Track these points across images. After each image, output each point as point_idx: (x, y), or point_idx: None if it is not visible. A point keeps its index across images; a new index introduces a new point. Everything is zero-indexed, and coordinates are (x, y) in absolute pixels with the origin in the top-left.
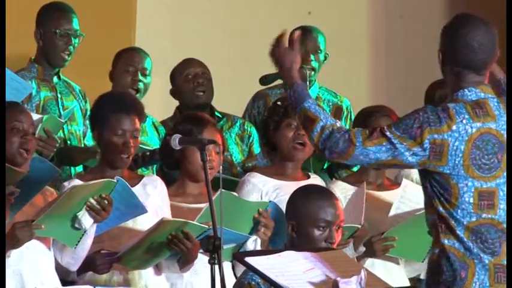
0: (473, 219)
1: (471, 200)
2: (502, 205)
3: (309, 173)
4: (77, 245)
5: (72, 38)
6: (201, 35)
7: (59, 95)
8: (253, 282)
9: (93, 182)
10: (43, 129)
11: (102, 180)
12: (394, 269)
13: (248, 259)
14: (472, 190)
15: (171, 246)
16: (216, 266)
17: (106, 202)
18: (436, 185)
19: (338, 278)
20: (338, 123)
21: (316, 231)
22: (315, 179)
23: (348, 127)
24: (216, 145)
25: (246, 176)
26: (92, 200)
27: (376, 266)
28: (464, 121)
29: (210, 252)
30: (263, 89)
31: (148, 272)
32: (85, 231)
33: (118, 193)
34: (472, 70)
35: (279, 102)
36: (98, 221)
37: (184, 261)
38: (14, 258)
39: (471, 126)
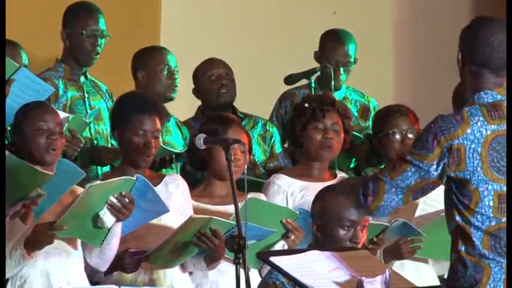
0: (493, 223)
1: (491, 204)
2: None
3: (336, 172)
4: (101, 244)
5: (99, 39)
6: (224, 35)
7: (86, 95)
8: (278, 282)
9: (111, 180)
10: (68, 129)
11: (120, 178)
12: (424, 268)
13: (273, 259)
14: (492, 193)
15: (199, 243)
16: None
17: (127, 200)
18: (455, 193)
19: (363, 278)
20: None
21: (341, 230)
22: (342, 178)
23: None
24: (241, 144)
25: (272, 178)
26: (112, 198)
27: (406, 266)
28: (478, 123)
29: (234, 252)
30: (290, 88)
31: (173, 272)
32: (109, 231)
33: (139, 191)
34: (491, 69)
35: (306, 104)
36: (120, 219)
37: (212, 259)
38: (41, 258)
39: (486, 128)
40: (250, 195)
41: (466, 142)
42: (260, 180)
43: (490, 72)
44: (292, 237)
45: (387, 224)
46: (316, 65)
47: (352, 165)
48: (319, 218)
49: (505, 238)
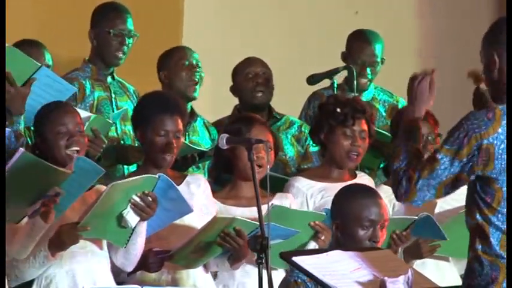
0: None
1: None
2: None
3: (356, 172)
4: (126, 244)
5: (126, 38)
6: (248, 35)
7: (113, 95)
8: (299, 280)
9: (133, 178)
10: (90, 129)
11: (142, 176)
12: (445, 267)
13: (295, 258)
14: None
15: (223, 243)
16: (264, 266)
17: (150, 199)
18: (479, 191)
19: (385, 278)
20: (409, 165)
21: (360, 230)
22: (362, 178)
23: None
24: (265, 143)
25: (291, 180)
26: (135, 197)
27: (427, 266)
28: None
29: (257, 252)
30: (319, 89)
31: (196, 272)
32: (133, 230)
33: (162, 190)
34: None
35: (338, 109)
36: (144, 219)
37: (235, 259)
38: (67, 258)
39: None
40: (277, 196)
41: (496, 142)
42: (285, 178)
43: None
44: (323, 237)
45: (415, 217)
46: (342, 64)
47: (381, 165)
48: (338, 218)
49: None
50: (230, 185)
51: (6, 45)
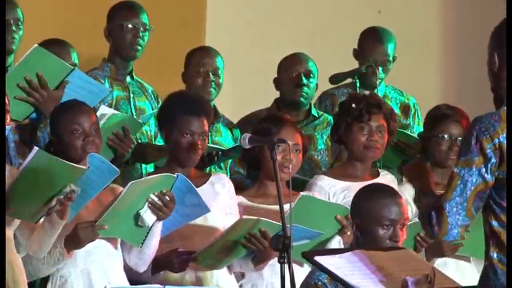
0: None
1: None
2: None
3: (379, 170)
4: (142, 243)
5: (140, 31)
6: (271, 34)
7: (132, 95)
8: (319, 283)
9: (151, 176)
10: (122, 128)
11: (160, 174)
12: (466, 267)
13: (318, 258)
14: None
15: (248, 245)
16: (286, 265)
17: (167, 198)
18: (493, 195)
19: (407, 277)
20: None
21: (380, 230)
22: (385, 177)
23: (416, 125)
24: (294, 144)
25: (313, 179)
26: (153, 196)
27: (449, 265)
28: None
29: (279, 251)
30: (329, 88)
31: (220, 272)
32: (149, 230)
33: (179, 190)
34: None
35: (353, 105)
36: (161, 218)
37: (260, 260)
38: (82, 258)
39: None
40: (303, 193)
41: (506, 141)
42: (308, 179)
43: None
44: (348, 232)
45: None
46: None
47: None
48: (358, 217)
49: None
50: (258, 184)
51: (36, 46)
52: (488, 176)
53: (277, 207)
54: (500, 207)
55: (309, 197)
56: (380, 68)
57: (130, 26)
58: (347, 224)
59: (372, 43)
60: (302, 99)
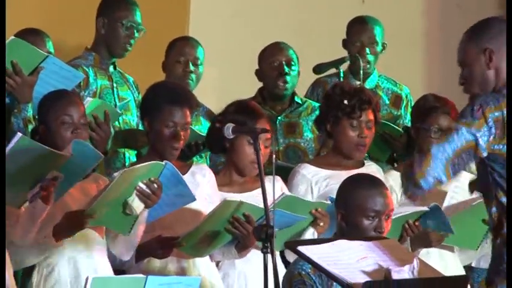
0: None
1: None
2: None
3: (364, 161)
4: (130, 231)
5: (135, 31)
6: (256, 24)
7: (115, 85)
8: (303, 272)
9: (140, 165)
10: (104, 112)
11: (149, 162)
12: (449, 257)
13: (301, 248)
14: None
15: (233, 230)
16: (269, 255)
17: (155, 186)
18: (498, 172)
19: (390, 267)
20: None
21: (365, 220)
22: (370, 166)
23: (408, 115)
24: (266, 139)
25: (297, 167)
26: (141, 184)
27: (432, 255)
28: None
29: (262, 241)
30: (322, 76)
31: (202, 261)
32: (137, 217)
33: (166, 178)
34: None
35: (345, 101)
36: (149, 206)
37: (243, 246)
38: (68, 246)
39: None
40: (267, 179)
41: (506, 142)
42: (291, 166)
43: None
44: (321, 223)
45: (426, 208)
46: (345, 53)
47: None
48: (343, 208)
49: None
50: (223, 172)
51: (12, 37)
52: (481, 141)
53: (244, 194)
54: (505, 181)
55: (291, 197)
56: (367, 49)
57: (128, 25)
58: (319, 215)
59: (357, 27)
60: (286, 90)
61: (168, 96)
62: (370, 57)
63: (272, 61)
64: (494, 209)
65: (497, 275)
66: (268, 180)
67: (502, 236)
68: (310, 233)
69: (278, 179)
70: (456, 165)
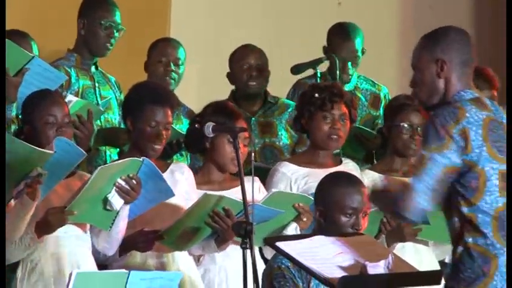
0: (500, 204)
1: (497, 183)
2: None
3: (342, 158)
4: (111, 227)
5: (115, 31)
6: (235, 24)
7: (97, 84)
8: (283, 266)
9: (118, 161)
10: (87, 111)
11: (127, 159)
12: (424, 252)
13: (279, 244)
14: (497, 172)
15: (212, 224)
16: (248, 251)
17: (134, 182)
18: (460, 181)
19: (366, 262)
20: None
21: (342, 217)
22: (347, 164)
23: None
24: (245, 138)
25: (276, 165)
26: (120, 181)
27: (407, 249)
28: (473, 110)
29: (242, 237)
30: (303, 78)
31: (181, 256)
32: (117, 213)
33: (145, 174)
34: (468, 66)
35: (316, 94)
36: (128, 201)
37: (223, 240)
38: (52, 242)
39: (480, 113)
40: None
41: (468, 125)
42: (269, 167)
43: (466, 70)
44: (304, 219)
45: None
46: (321, 53)
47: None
48: (321, 205)
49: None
50: (202, 171)
51: None
52: (455, 159)
53: (222, 192)
54: (468, 190)
55: (279, 193)
56: (349, 64)
57: (107, 25)
58: (303, 211)
59: (340, 41)
60: (256, 90)
61: (150, 96)
62: (351, 71)
63: (242, 64)
64: (456, 219)
65: (457, 283)
66: (247, 180)
67: (463, 245)
68: (293, 228)
69: (256, 179)
70: (439, 190)
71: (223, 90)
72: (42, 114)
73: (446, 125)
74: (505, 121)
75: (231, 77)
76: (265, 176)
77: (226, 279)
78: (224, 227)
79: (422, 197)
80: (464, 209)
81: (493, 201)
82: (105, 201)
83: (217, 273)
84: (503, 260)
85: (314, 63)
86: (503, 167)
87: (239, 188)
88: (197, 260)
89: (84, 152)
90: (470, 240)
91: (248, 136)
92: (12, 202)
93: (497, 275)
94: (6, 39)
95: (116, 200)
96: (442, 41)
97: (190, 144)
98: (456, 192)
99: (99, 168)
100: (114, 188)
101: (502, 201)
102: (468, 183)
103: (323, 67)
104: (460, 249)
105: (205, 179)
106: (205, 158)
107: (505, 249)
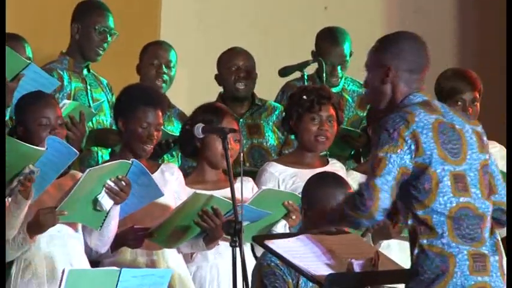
0: (454, 204)
1: (449, 184)
2: (473, 189)
3: (328, 159)
4: (101, 227)
5: (108, 36)
6: (223, 28)
7: (89, 87)
8: (272, 264)
9: (108, 163)
10: (79, 113)
11: (116, 161)
12: (409, 249)
13: (267, 242)
14: (448, 174)
15: (201, 223)
16: (237, 249)
17: (123, 183)
18: (413, 184)
19: (352, 260)
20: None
21: None
22: (334, 165)
23: None
24: (235, 134)
25: (265, 166)
26: (109, 182)
27: (392, 247)
28: (422, 114)
29: (231, 236)
30: (291, 80)
31: (170, 254)
32: (107, 213)
33: (134, 175)
34: (416, 73)
35: (304, 96)
36: (118, 202)
37: (211, 239)
38: (45, 242)
39: (429, 116)
40: (238, 180)
41: (418, 129)
42: (256, 169)
43: (415, 75)
44: (293, 216)
45: None
46: (309, 56)
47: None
48: (307, 204)
49: (466, 221)
50: (196, 171)
51: None
52: (409, 162)
53: (216, 192)
54: (422, 193)
55: (269, 190)
56: (339, 68)
57: (101, 30)
58: (292, 209)
59: (328, 46)
60: (244, 92)
61: (142, 98)
62: (340, 74)
63: (230, 66)
64: (410, 221)
65: (416, 284)
66: (239, 180)
67: (419, 247)
68: (282, 225)
69: (250, 179)
70: (396, 191)
71: (213, 93)
72: (36, 116)
73: (398, 128)
74: (456, 123)
75: (219, 78)
76: (251, 177)
77: (218, 276)
78: (212, 226)
79: (385, 196)
80: (419, 212)
81: (447, 201)
82: (95, 201)
83: (209, 271)
84: (460, 257)
85: (301, 66)
86: (455, 168)
87: (242, 186)
88: (190, 257)
89: (76, 151)
90: (425, 242)
91: (238, 132)
92: (6, 201)
93: (456, 272)
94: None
95: (106, 201)
96: (390, 48)
97: (183, 146)
98: (410, 196)
99: (88, 170)
100: (104, 189)
101: (455, 201)
102: (422, 186)
103: (310, 70)
104: (416, 251)
105: (199, 179)
106: (198, 158)
107: (461, 247)
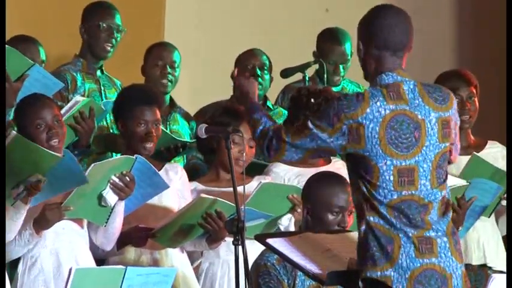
0: (395, 197)
1: (391, 178)
2: (423, 181)
3: (331, 157)
4: (106, 223)
5: (115, 32)
6: (226, 29)
7: (102, 88)
8: (269, 263)
9: (111, 159)
10: (82, 111)
11: (120, 157)
12: None
13: (269, 240)
14: (392, 168)
15: (205, 225)
16: (240, 247)
17: (128, 179)
18: (359, 167)
19: (354, 257)
20: (276, 124)
21: (329, 215)
22: (336, 163)
23: None
24: (250, 140)
25: (270, 166)
26: (114, 178)
27: None
28: (378, 103)
29: (234, 234)
30: (292, 82)
31: (174, 253)
32: (112, 209)
33: (139, 171)
34: (391, 51)
35: (312, 100)
36: (123, 198)
37: (214, 240)
38: (50, 238)
39: (384, 108)
40: (256, 179)
41: (365, 121)
42: (265, 163)
43: (390, 54)
44: (299, 210)
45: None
46: (311, 57)
47: None
48: (309, 203)
49: (407, 211)
50: (211, 171)
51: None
52: (332, 145)
53: (230, 189)
54: (366, 179)
55: (269, 184)
56: (341, 67)
57: (105, 26)
58: (298, 202)
59: (329, 46)
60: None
61: (137, 97)
62: (342, 73)
63: (246, 64)
64: (358, 196)
65: (364, 260)
66: (256, 180)
67: (366, 224)
68: (288, 218)
69: (267, 177)
70: (313, 155)
71: (213, 93)
72: (32, 119)
73: (340, 114)
74: (419, 113)
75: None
76: (259, 171)
77: (228, 272)
78: (215, 228)
79: (292, 156)
80: (364, 189)
81: (387, 194)
82: (100, 197)
83: (220, 267)
84: (405, 240)
85: (303, 67)
86: (400, 163)
87: (244, 186)
88: (201, 254)
89: (86, 178)
90: (371, 219)
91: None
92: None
93: (402, 255)
94: (9, 46)
95: (110, 197)
96: (371, 21)
97: (201, 146)
98: (358, 175)
99: (92, 165)
100: (109, 184)
101: (397, 195)
102: (365, 174)
103: (310, 71)
104: (363, 228)
105: (213, 177)
106: (215, 158)
107: (407, 230)
